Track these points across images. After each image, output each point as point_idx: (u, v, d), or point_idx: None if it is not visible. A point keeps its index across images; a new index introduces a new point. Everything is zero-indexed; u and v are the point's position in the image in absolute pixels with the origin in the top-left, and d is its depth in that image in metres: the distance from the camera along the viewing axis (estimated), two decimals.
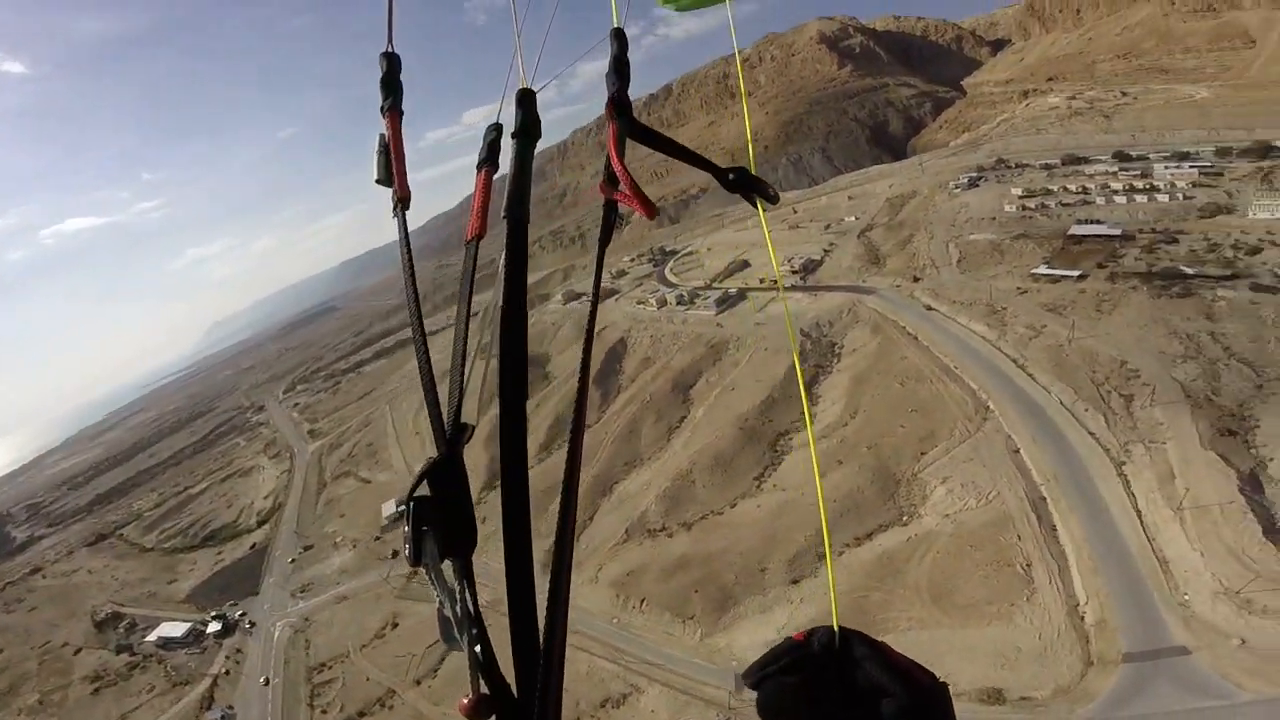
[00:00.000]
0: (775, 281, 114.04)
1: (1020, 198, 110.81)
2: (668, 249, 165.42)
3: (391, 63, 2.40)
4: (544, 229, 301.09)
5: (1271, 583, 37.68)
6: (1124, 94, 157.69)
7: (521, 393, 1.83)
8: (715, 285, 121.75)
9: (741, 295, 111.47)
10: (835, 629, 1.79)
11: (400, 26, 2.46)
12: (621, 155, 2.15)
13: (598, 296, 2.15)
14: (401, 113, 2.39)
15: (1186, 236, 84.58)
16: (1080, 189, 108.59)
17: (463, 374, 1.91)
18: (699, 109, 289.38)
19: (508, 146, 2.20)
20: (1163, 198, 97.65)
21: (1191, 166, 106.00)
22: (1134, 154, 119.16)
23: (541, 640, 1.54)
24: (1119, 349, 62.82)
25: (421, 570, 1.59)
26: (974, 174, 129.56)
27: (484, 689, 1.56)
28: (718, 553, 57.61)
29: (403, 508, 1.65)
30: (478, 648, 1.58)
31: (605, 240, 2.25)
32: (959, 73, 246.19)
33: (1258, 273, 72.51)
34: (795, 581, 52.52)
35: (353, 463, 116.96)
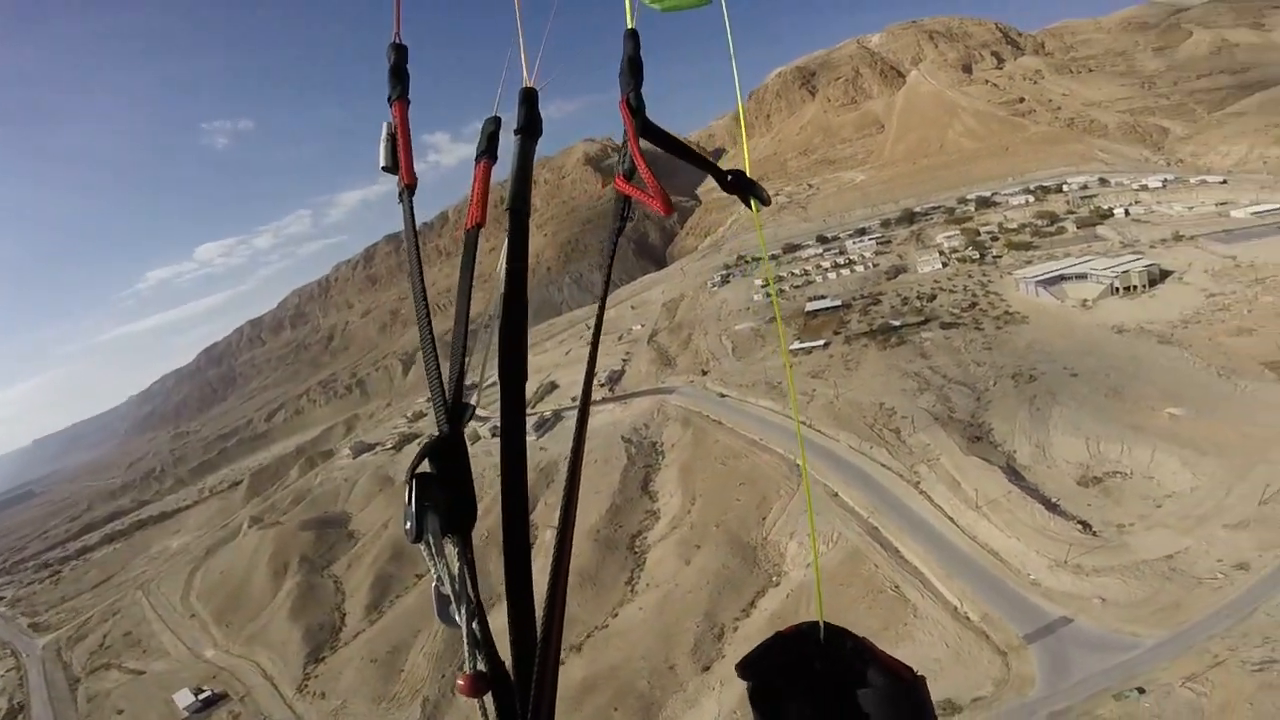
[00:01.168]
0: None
1: (761, 287, 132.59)
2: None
3: (400, 53, 2.47)
4: (311, 379, 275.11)
5: (1082, 546, 47.31)
6: (810, 185, 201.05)
7: (521, 381, 1.91)
8: (528, 411, 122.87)
9: (557, 417, 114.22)
10: (820, 623, 1.88)
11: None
12: (625, 154, 2.26)
13: (605, 300, 2.22)
14: (409, 102, 2.47)
15: (885, 296, 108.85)
16: (803, 272, 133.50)
17: (463, 355, 1.96)
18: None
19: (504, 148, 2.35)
20: (859, 268, 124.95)
21: (869, 239, 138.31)
22: (830, 235, 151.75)
23: (540, 620, 1.59)
24: (874, 395, 77.61)
25: (421, 547, 1.63)
26: (724, 272, 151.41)
27: (480, 666, 1.62)
28: (620, 665, 56.36)
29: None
30: (475, 624, 1.62)
31: (618, 233, 2.34)
32: (694, 182, 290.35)
33: (940, 314, 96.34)
34: (707, 669, 52.90)
35: (111, 654, 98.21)
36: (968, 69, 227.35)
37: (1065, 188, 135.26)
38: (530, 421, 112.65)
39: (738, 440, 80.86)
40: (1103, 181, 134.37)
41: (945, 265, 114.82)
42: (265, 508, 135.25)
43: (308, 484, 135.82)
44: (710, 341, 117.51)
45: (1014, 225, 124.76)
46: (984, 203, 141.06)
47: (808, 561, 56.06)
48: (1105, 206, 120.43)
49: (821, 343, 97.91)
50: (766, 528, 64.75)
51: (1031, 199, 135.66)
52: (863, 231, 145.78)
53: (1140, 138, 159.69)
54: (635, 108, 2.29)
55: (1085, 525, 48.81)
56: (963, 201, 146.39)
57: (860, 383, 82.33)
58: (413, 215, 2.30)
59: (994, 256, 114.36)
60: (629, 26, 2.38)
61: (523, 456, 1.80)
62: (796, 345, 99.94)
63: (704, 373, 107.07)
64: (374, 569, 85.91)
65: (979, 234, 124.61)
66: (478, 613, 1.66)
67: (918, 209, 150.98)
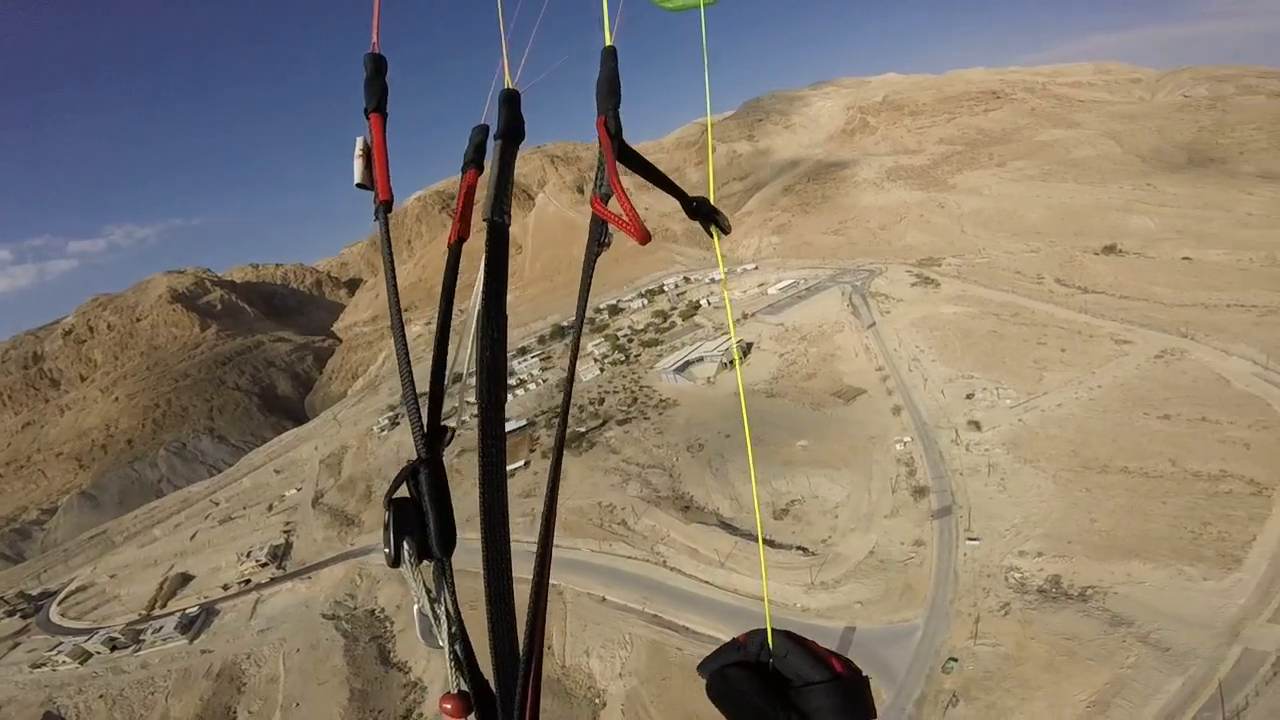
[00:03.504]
0: (247, 581, 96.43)
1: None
2: (32, 592, 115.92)
3: (377, 64, 2.37)
4: None
5: (813, 566, 55.69)
6: (462, 310, 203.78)
7: (501, 396, 1.91)
8: (158, 613, 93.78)
9: (209, 612, 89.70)
10: (769, 630, 2.01)
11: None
12: (602, 177, 2.19)
13: (583, 315, 2.21)
14: (386, 115, 2.36)
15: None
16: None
17: (442, 378, 1.97)
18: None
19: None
20: (532, 386, 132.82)
21: (532, 357, 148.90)
22: None
23: (522, 639, 1.65)
24: (590, 497, 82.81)
25: (402, 570, 1.70)
26: (391, 414, 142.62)
27: (463, 687, 1.67)
28: None
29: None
30: (457, 646, 1.68)
31: (595, 257, 2.30)
32: (328, 319, 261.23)
33: (613, 414, 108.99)
34: None
35: None
36: (581, 190, 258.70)
37: (665, 288, 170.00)
38: (172, 623, 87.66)
39: (475, 581, 76.21)
40: (686, 279, 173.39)
41: (602, 370, 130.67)
42: None
43: None
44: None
45: (641, 326, 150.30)
46: (614, 310, 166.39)
47: (619, 670, 55.82)
48: (694, 300, 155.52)
49: (521, 463, 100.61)
50: (559, 656, 62.33)
51: (645, 301, 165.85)
52: (524, 351, 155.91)
53: (697, 241, 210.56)
54: (613, 131, 2.24)
55: (802, 549, 61.27)
56: (597, 311, 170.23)
57: (572, 489, 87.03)
58: (389, 233, 2.28)
59: (635, 356, 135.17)
60: (607, 44, 2.31)
61: (502, 458, 1.85)
62: None
63: None
64: None
65: (618, 338, 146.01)
66: (459, 634, 1.72)
67: (564, 323, 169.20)
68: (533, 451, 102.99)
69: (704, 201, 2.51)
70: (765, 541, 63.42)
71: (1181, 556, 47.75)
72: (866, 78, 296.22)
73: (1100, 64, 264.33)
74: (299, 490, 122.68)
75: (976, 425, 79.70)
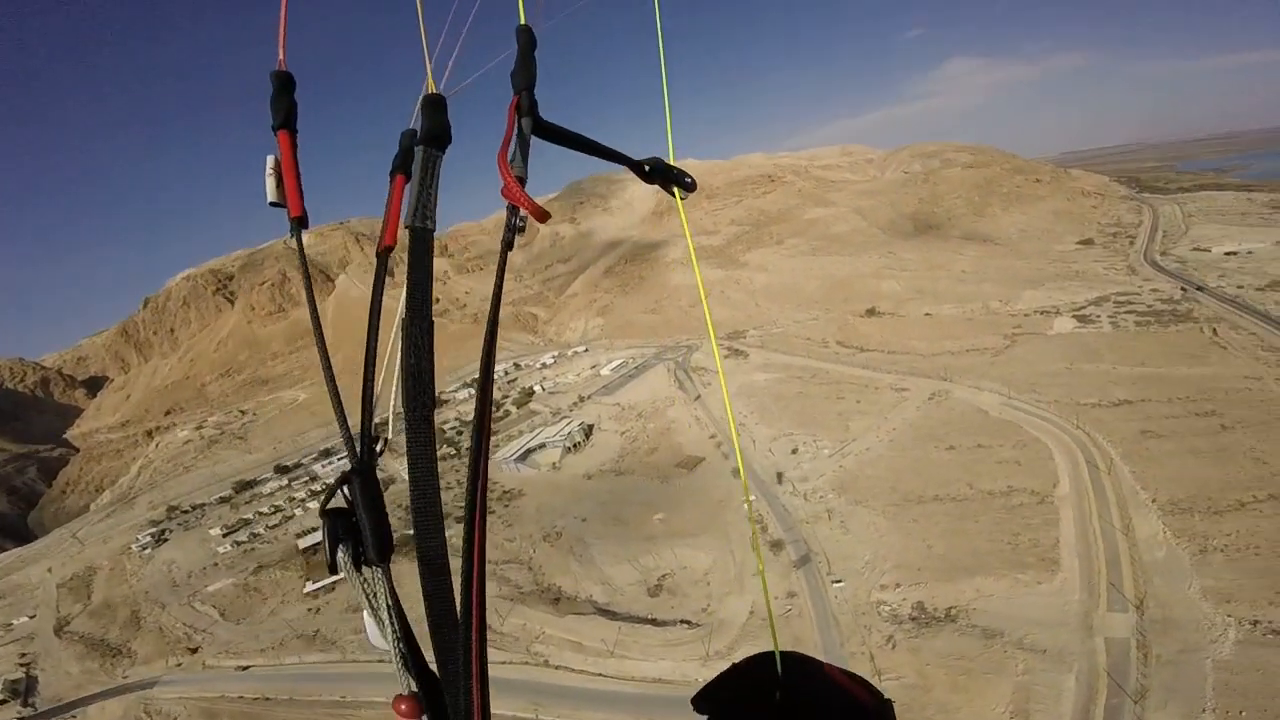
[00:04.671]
0: None
1: (225, 535, 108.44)
2: None
3: (282, 80, 2.36)
4: None
5: (702, 639, 53.86)
6: (243, 412, 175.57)
7: (429, 401, 1.91)
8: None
9: None
10: (776, 653, 1.87)
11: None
12: (515, 158, 2.11)
13: (498, 303, 2.13)
14: (295, 131, 2.36)
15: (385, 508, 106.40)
16: (273, 509, 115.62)
17: (371, 388, 2.03)
18: None
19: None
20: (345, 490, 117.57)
21: (339, 460, 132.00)
22: (290, 464, 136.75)
23: (459, 624, 1.69)
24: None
25: (342, 576, 1.77)
26: (153, 529, 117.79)
27: (413, 687, 1.72)
28: None
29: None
30: (402, 646, 1.76)
31: (509, 245, 2.22)
32: (58, 425, 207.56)
33: (453, 509, 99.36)
34: None
35: None
36: (390, 272, 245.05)
37: (494, 377, 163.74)
38: None
39: (315, 713, 62.46)
40: (516, 366, 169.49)
41: None
42: None
43: None
44: (181, 613, 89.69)
45: (471, 417, 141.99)
46: (439, 402, 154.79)
47: None
48: (527, 386, 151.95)
49: (342, 574, 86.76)
50: None
51: (473, 391, 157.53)
52: (328, 453, 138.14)
53: (523, 325, 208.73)
54: (525, 108, 2.19)
55: (686, 622, 59.05)
56: None
57: (417, 599, 76.54)
58: (303, 250, 2.31)
59: (468, 449, 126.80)
60: (521, 22, 2.29)
61: (433, 463, 1.88)
62: (312, 586, 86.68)
63: (193, 650, 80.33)
64: None
65: (445, 432, 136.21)
66: (404, 635, 1.79)
67: (376, 420, 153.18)
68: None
69: (658, 161, 2.47)
70: (649, 621, 60.75)
71: (1011, 566, 54.99)
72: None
73: (845, 146, 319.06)
74: (32, 618, 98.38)
75: (807, 477, 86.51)
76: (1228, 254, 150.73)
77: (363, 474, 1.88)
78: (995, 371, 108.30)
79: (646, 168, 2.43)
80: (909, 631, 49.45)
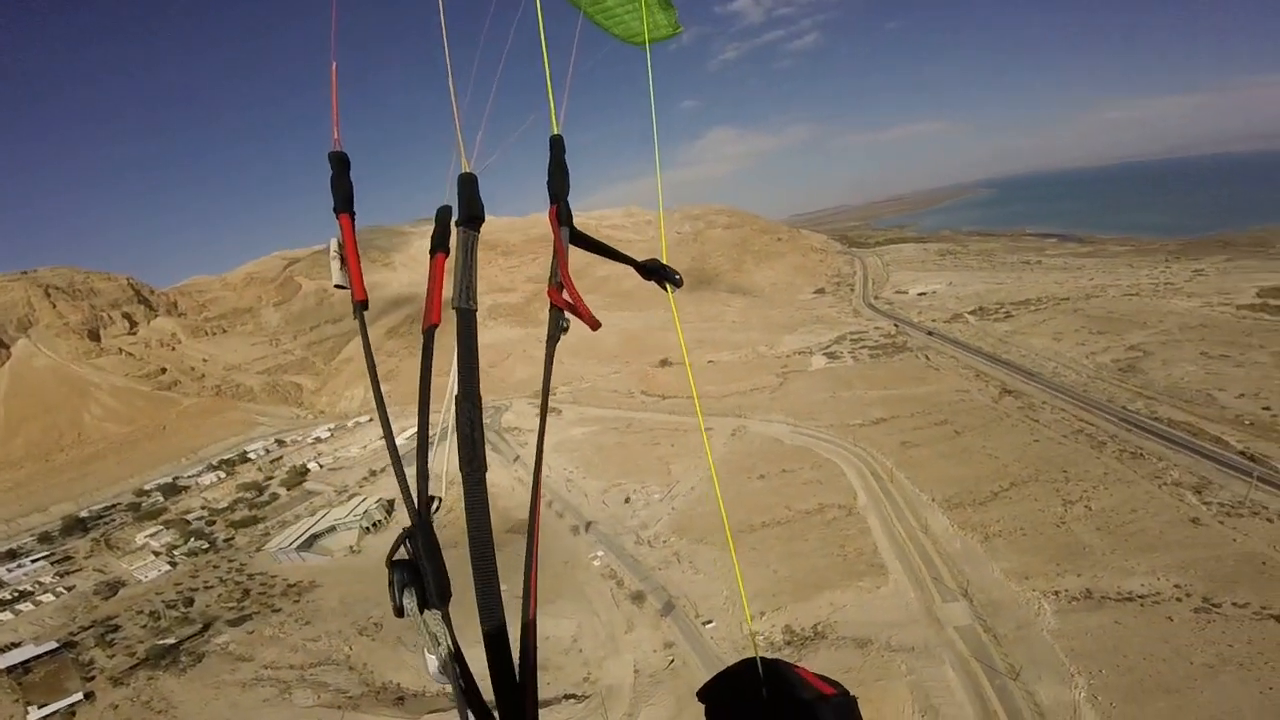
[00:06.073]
0: None
1: None
2: None
3: (341, 163, 2.43)
4: None
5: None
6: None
7: (480, 466, 2.16)
8: None
9: None
10: (757, 659, 2.16)
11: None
12: (567, 265, 2.33)
13: (547, 391, 2.45)
14: (354, 214, 2.43)
15: (122, 619, 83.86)
16: None
17: (426, 455, 2.24)
18: None
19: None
20: (48, 598, 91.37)
21: (35, 562, 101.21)
22: None
23: (516, 670, 1.92)
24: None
25: (408, 620, 1.96)
26: None
27: (471, 718, 1.89)
28: None
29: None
30: (461, 682, 1.95)
31: (555, 341, 2.51)
32: None
33: (219, 613, 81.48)
34: None
35: None
36: (95, 335, 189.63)
37: (252, 456, 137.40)
38: None
39: None
40: (280, 443, 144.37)
41: (175, 565, 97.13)
42: None
43: None
44: None
45: (224, 505, 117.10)
46: (171, 489, 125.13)
47: None
48: (298, 464, 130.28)
49: (78, 695, 67.47)
50: None
51: (222, 475, 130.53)
52: (13, 554, 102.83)
53: (283, 397, 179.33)
54: (564, 219, 2.35)
55: (572, 696, 54.06)
56: (143, 493, 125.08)
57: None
58: (366, 331, 2.43)
59: (227, 540, 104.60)
60: (554, 133, 2.32)
61: (488, 520, 2.14)
62: (37, 715, 65.48)
63: None
64: None
65: (189, 523, 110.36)
66: (464, 671, 2.04)
67: (83, 513, 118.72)
68: (88, 680, 68.93)
69: (656, 261, 2.81)
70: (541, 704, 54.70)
71: (849, 576, 61.12)
72: None
73: (627, 208, 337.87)
74: None
75: (646, 524, 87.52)
76: (920, 294, 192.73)
77: (423, 529, 2.12)
78: (777, 405, 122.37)
79: (646, 266, 2.69)
80: (790, 656, 51.75)
